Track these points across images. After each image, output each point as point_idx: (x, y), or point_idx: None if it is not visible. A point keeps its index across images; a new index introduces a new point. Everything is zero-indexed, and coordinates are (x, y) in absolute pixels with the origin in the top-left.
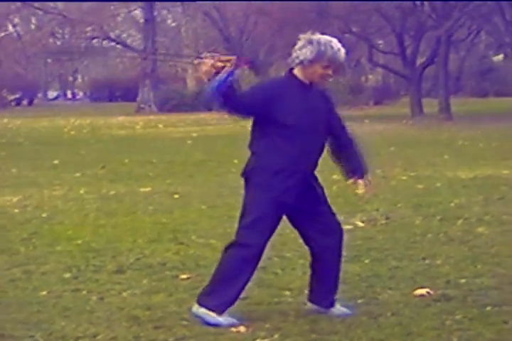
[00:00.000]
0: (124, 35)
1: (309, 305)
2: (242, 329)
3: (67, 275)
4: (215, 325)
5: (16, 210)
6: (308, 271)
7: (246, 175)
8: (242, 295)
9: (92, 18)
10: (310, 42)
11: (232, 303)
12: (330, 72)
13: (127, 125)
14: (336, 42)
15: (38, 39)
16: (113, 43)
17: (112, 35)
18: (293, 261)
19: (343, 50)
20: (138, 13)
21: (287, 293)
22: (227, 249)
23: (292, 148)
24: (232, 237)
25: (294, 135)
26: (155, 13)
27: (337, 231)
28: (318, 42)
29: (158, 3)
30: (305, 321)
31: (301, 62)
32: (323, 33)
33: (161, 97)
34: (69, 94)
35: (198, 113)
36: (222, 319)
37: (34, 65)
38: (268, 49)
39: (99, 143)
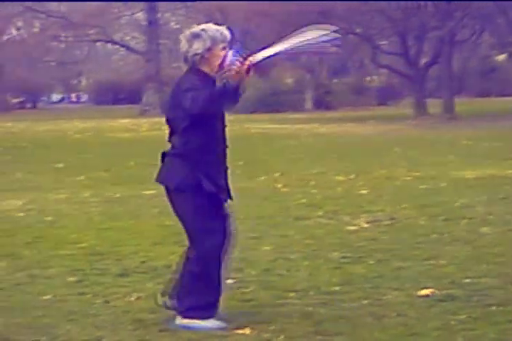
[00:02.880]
0: (128, 38)
1: (164, 299)
2: (247, 331)
3: (72, 279)
4: (206, 330)
5: (20, 214)
6: (314, 272)
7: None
8: (247, 297)
9: (94, 20)
10: (195, 35)
11: (215, 307)
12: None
13: (131, 128)
14: (211, 25)
15: (41, 42)
16: (116, 46)
17: (115, 37)
18: (297, 263)
19: (223, 27)
20: (141, 15)
21: (292, 294)
22: (190, 258)
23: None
24: (237, 239)
25: (218, 132)
26: (158, 16)
27: (231, 235)
28: (204, 30)
29: (161, 5)
30: (310, 323)
31: (202, 56)
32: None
33: (164, 99)
34: (73, 97)
35: None
36: (209, 324)
37: (38, 68)
38: None
39: (104, 146)
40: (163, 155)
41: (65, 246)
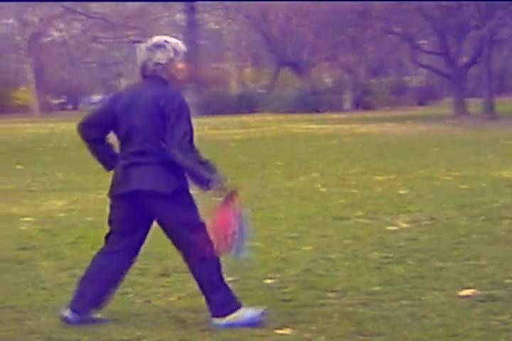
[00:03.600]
0: None
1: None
2: (287, 331)
3: None
4: (253, 320)
5: (62, 214)
6: (353, 273)
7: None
8: (286, 297)
9: (134, 22)
10: (159, 45)
11: (236, 298)
12: (185, 64)
13: None
14: (170, 38)
15: (82, 43)
16: None
17: None
18: (337, 263)
19: (180, 41)
20: (180, 16)
21: (332, 294)
22: (203, 260)
23: None
24: (277, 239)
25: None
26: (197, 16)
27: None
28: (167, 42)
29: (199, 6)
30: (350, 323)
31: (164, 66)
32: (364, 34)
33: (204, 100)
34: None
35: (240, 115)
36: (245, 314)
37: (78, 69)
38: (311, 50)
39: None
40: (132, 163)
41: None
